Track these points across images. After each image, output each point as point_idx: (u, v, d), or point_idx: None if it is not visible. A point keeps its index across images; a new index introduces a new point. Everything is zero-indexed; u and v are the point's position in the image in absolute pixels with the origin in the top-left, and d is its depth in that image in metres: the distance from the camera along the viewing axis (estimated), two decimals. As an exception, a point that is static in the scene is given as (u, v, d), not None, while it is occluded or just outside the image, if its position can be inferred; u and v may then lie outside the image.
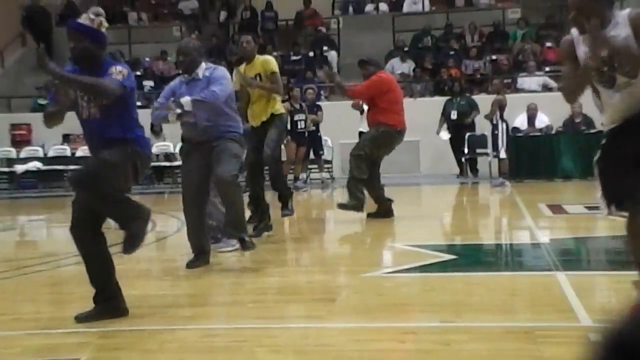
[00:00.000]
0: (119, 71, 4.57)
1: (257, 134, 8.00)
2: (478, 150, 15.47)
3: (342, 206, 9.23)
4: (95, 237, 4.67)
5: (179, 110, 6.04)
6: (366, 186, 9.19)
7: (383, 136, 9.09)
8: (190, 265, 6.39)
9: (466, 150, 15.52)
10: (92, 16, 4.64)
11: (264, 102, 8.02)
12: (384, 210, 9.23)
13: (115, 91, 4.50)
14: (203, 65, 6.53)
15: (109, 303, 4.67)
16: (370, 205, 9.41)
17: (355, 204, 9.07)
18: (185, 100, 6.13)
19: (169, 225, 9.79)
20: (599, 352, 1.02)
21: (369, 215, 9.24)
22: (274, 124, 8.07)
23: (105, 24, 4.69)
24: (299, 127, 14.70)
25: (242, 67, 8.14)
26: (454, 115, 15.56)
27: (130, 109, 4.72)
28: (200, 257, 6.44)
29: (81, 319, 4.61)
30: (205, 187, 6.51)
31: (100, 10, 4.72)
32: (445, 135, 15.48)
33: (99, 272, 4.66)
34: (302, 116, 14.78)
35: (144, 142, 4.84)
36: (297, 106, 14.77)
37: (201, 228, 6.50)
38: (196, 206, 6.48)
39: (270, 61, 8.13)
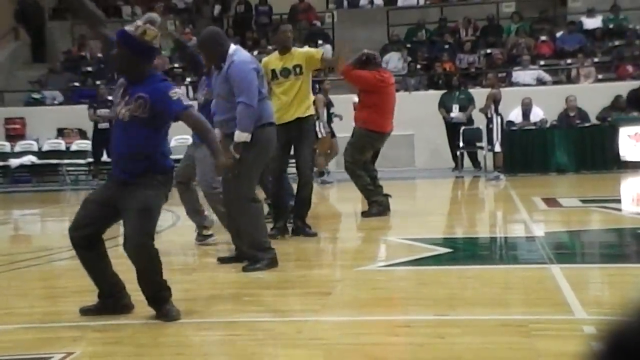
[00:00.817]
0: (178, 95, 4.50)
1: (286, 132, 7.01)
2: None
3: (366, 214, 9.02)
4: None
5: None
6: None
7: (362, 141, 9.00)
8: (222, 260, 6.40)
9: (461, 144, 15.53)
10: (139, 23, 4.43)
11: (302, 96, 7.33)
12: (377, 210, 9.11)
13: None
14: (232, 47, 5.98)
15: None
16: (363, 204, 9.39)
17: (378, 210, 8.97)
18: (237, 135, 5.80)
19: (163, 219, 9.72)
20: (600, 352, 1.01)
21: (363, 214, 9.15)
22: (307, 134, 7.50)
23: (152, 33, 4.38)
24: (332, 120, 14.17)
25: (275, 55, 7.46)
26: (455, 109, 15.57)
27: None
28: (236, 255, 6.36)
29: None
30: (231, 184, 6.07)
31: (153, 16, 4.49)
32: (460, 115, 15.38)
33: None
34: (332, 109, 14.36)
35: None
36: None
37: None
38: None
39: (313, 50, 7.85)
